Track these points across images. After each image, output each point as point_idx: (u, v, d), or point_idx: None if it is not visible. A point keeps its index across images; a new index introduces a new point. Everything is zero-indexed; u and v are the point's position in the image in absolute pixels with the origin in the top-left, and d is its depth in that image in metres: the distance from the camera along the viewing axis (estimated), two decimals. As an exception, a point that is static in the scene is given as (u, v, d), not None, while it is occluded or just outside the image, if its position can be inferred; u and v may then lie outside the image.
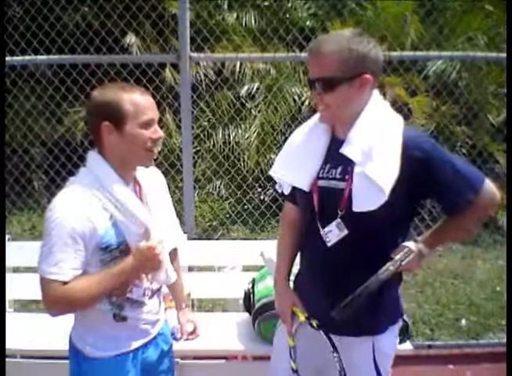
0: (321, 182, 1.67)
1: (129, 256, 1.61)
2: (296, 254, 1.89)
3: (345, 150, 1.60)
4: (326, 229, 1.66)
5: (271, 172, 1.84)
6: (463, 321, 4.00)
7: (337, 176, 1.63)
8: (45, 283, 1.56)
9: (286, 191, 1.83)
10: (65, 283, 1.55)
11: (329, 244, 1.66)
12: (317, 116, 1.73)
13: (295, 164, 1.74)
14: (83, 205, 1.55)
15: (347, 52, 1.54)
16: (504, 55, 2.89)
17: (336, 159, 1.64)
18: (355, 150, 1.58)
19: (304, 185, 1.70)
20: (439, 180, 1.57)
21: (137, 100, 1.59)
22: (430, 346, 3.53)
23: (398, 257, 1.57)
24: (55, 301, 1.57)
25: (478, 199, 1.59)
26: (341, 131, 1.66)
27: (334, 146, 1.66)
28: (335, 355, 1.70)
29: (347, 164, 1.60)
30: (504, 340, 3.48)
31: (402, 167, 1.53)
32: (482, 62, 5.55)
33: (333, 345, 1.71)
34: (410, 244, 1.61)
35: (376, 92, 1.66)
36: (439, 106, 5.77)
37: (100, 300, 1.64)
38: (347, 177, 1.60)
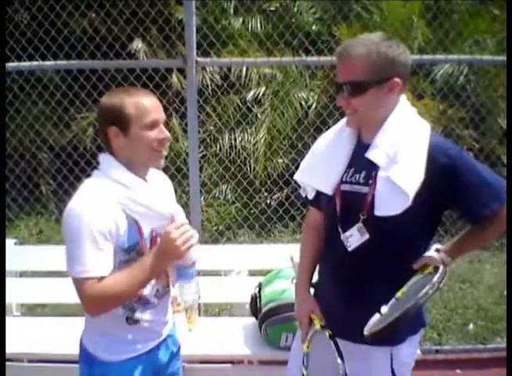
0: (344, 187, 1.67)
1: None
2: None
3: (370, 155, 1.60)
4: (348, 233, 1.65)
5: (295, 177, 1.84)
6: (471, 326, 3.97)
7: (361, 181, 1.63)
8: (80, 283, 1.53)
9: (310, 196, 1.82)
10: (101, 279, 1.53)
11: (349, 249, 1.65)
12: (343, 121, 1.72)
13: (319, 169, 1.73)
14: (105, 205, 1.56)
15: (377, 56, 1.53)
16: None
17: (360, 163, 1.63)
18: (380, 155, 1.58)
19: (328, 189, 1.70)
20: (463, 188, 1.55)
21: (140, 103, 1.61)
22: (437, 351, 3.51)
23: (435, 279, 1.51)
24: (94, 299, 1.54)
25: (503, 209, 1.57)
26: (367, 136, 1.65)
27: (359, 150, 1.65)
28: (340, 366, 1.68)
29: (372, 169, 1.59)
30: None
31: (427, 172, 1.52)
32: (490, 65, 5.54)
33: (341, 357, 1.69)
34: (432, 253, 1.60)
35: (403, 97, 1.65)
36: (446, 109, 5.75)
37: (137, 293, 1.64)
38: (370, 182, 1.59)
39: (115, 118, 1.60)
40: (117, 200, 1.58)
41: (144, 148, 1.62)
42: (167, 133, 1.66)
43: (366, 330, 1.53)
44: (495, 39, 5.74)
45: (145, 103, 1.61)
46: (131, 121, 1.60)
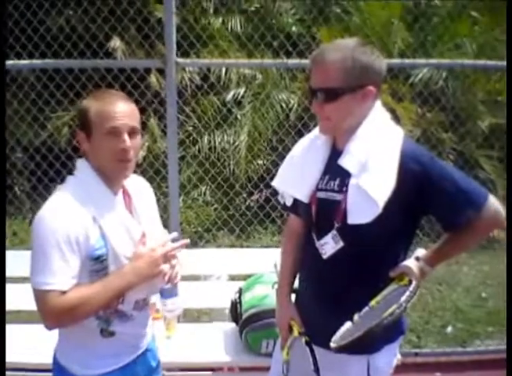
0: (319, 194, 1.65)
1: (126, 264, 1.56)
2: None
3: (342, 162, 1.58)
4: (322, 241, 1.63)
5: (273, 183, 1.82)
6: (450, 328, 3.99)
7: (335, 188, 1.61)
8: (41, 295, 1.46)
9: (288, 202, 1.80)
10: (62, 293, 1.47)
11: (324, 256, 1.63)
12: (318, 128, 1.70)
13: (295, 176, 1.72)
14: (75, 213, 1.50)
15: (352, 62, 1.51)
16: (492, 62, 2.93)
17: (335, 171, 1.61)
18: (352, 162, 1.56)
19: (304, 196, 1.68)
20: (437, 195, 1.53)
21: (102, 108, 1.53)
22: (417, 354, 3.51)
23: (403, 298, 1.50)
24: (53, 313, 1.47)
25: (480, 216, 1.54)
26: (341, 142, 1.63)
27: (334, 157, 1.63)
28: (313, 372, 1.66)
29: (345, 176, 1.57)
30: (491, 347, 3.49)
31: (399, 180, 1.50)
32: (470, 69, 5.58)
33: (315, 364, 1.68)
34: (411, 263, 1.58)
35: (378, 103, 1.63)
36: (425, 113, 5.79)
37: (100, 310, 1.57)
38: (344, 189, 1.57)
39: (81, 123, 1.56)
40: (87, 210, 1.52)
41: (105, 156, 1.54)
42: (127, 143, 1.53)
43: (334, 342, 1.51)
44: (476, 43, 5.78)
45: (107, 109, 1.52)
46: (93, 127, 1.53)
